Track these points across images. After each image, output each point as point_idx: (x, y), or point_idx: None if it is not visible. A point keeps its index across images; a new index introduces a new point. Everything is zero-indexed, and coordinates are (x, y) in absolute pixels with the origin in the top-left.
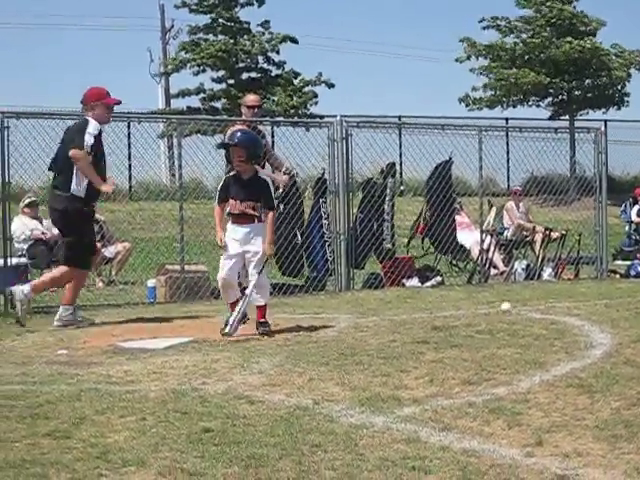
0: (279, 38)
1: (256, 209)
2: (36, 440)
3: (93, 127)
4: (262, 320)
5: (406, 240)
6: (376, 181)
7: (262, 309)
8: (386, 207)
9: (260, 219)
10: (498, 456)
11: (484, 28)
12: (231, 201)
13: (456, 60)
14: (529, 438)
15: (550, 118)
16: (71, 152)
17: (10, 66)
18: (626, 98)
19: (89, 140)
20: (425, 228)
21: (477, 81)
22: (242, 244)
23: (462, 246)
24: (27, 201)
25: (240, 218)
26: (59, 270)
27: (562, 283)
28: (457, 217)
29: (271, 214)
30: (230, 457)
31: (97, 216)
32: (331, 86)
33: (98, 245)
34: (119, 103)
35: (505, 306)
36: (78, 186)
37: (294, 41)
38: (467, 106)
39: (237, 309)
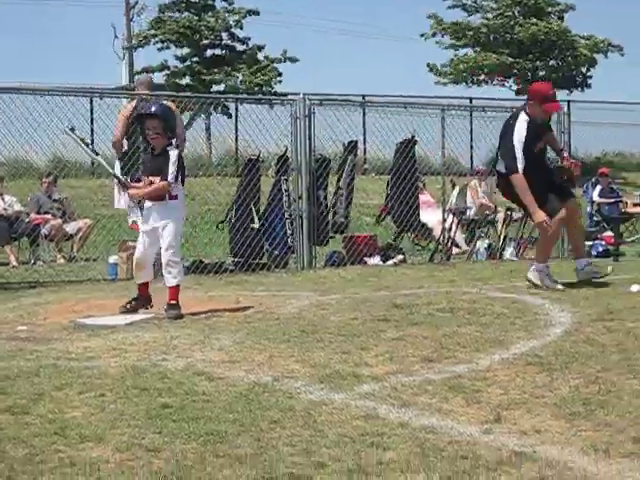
0: (242, 13)
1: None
2: None
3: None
4: (172, 302)
5: (368, 218)
6: (327, 158)
7: (173, 289)
8: (341, 182)
9: (172, 196)
10: (456, 433)
11: (450, 7)
12: (143, 178)
13: (421, 36)
14: (488, 415)
15: (516, 94)
16: None
17: None
18: (589, 81)
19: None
20: (387, 206)
21: (443, 56)
22: (154, 221)
23: (425, 225)
24: None
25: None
26: None
27: (524, 262)
28: (421, 196)
29: (162, 184)
30: (188, 433)
31: (58, 194)
32: (295, 61)
33: (59, 221)
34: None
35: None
36: None
37: (256, 13)
38: (435, 74)
39: None
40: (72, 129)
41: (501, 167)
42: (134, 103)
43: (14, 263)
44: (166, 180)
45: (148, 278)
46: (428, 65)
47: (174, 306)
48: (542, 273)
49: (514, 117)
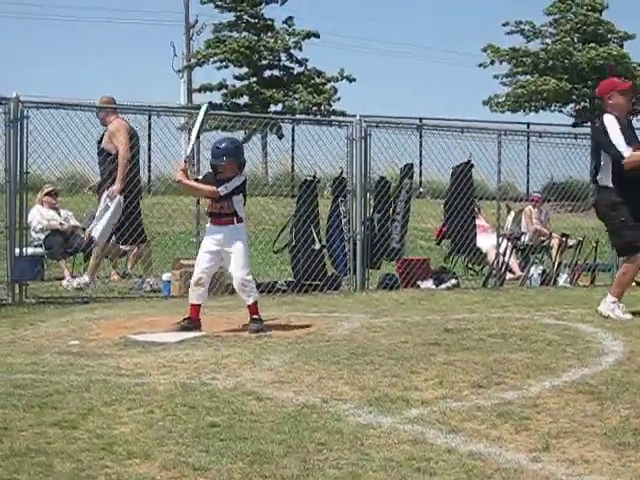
0: (302, 35)
1: (230, 208)
2: (42, 429)
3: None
4: (254, 317)
5: (422, 242)
6: (388, 181)
7: (252, 307)
8: (398, 207)
9: (239, 219)
10: (504, 460)
11: (508, 33)
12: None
13: (479, 65)
14: (536, 443)
15: (573, 125)
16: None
17: (34, 56)
18: None
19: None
20: (444, 230)
21: (499, 89)
22: (221, 244)
23: (479, 249)
24: (46, 191)
25: (216, 218)
26: None
27: (577, 290)
28: (476, 220)
29: (212, 188)
30: (235, 453)
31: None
32: (352, 81)
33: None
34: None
35: None
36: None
37: (316, 36)
38: (490, 108)
39: None
40: (208, 110)
41: (604, 180)
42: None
43: (68, 278)
44: (217, 189)
45: (202, 300)
46: (484, 102)
47: (256, 320)
48: (614, 304)
49: (600, 122)
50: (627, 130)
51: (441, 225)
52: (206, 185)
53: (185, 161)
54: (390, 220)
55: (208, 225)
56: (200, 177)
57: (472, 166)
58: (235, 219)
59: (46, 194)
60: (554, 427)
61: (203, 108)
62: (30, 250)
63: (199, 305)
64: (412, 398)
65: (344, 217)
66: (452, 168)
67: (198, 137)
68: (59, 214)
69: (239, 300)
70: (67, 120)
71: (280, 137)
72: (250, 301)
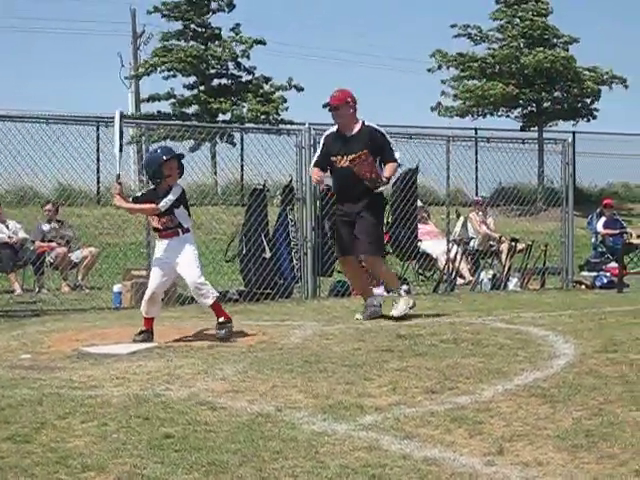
0: (249, 42)
1: (173, 221)
2: None
3: None
4: (220, 320)
5: None
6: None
7: (215, 306)
8: None
9: (185, 230)
10: (459, 465)
11: (455, 36)
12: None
13: (428, 70)
14: (490, 447)
15: (521, 129)
16: None
17: None
18: (595, 112)
19: None
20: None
21: (447, 90)
22: (170, 257)
23: (428, 255)
24: None
25: (162, 232)
26: None
27: (528, 293)
28: (425, 226)
29: (150, 206)
30: (191, 463)
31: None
32: (300, 89)
33: (64, 249)
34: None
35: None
36: None
37: (263, 43)
38: (439, 114)
39: None
40: (122, 115)
41: None
42: None
43: (18, 291)
44: (157, 205)
45: (156, 314)
46: (432, 107)
47: (223, 324)
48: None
49: None
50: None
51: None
52: (145, 204)
53: (118, 182)
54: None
55: (157, 241)
56: (139, 194)
57: (417, 171)
58: (180, 230)
59: None
60: (507, 431)
61: (116, 115)
62: None
63: (153, 317)
64: (366, 405)
65: (292, 225)
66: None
67: (121, 149)
68: (7, 227)
69: (191, 310)
70: (14, 132)
71: (232, 144)
72: (209, 302)
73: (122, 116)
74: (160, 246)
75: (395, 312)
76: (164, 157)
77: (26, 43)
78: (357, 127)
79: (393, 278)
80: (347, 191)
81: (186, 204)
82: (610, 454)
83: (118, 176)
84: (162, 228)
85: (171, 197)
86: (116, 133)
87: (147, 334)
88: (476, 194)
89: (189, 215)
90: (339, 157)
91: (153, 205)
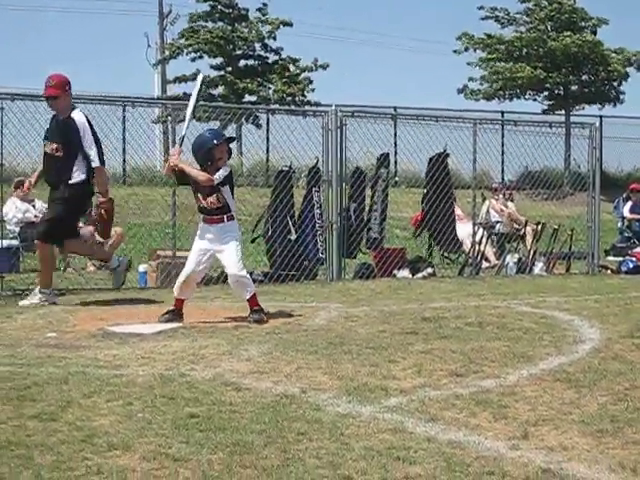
0: (275, 24)
1: (220, 200)
2: (22, 422)
3: None
4: (254, 307)
5: (398, 231)
6: (363, 170)
7: (251, 300)
8: (375, 197)
9: (229, 217)
10: (483, 448)
11: (482, 19)
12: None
13: (454, 52)
14: (515, 431)
15: (545, 112)
16: None
17: (5, 49)
18: (622, 96)
19: None
20: (422, 220)
21: (475, 73)
22: (212, 243)
23: (456, 238)
24: (15, 183)
25: (207, 215)
26: None
27: (553, 277)
28: None
29: (207, 176)
30: (215, 443)
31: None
32: (326, 67)
33: (91, 229)
34: None
35: None
36: None
37: (290, 25)
38: (465, 96)
39: None
40: (204, 80)
41: None
42: None
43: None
44: (212, 178)
45: (189, 296)
46: (458, 90)
47: (256, 311)
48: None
49: None
50: None
51: (417, 214)
52: (205, 174)
53: (180, 145)
54: (368, 210)
55: (200, 224)
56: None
57: (448, 156)
58: (225, 217)
59: (16, 186)
60: (532, 415)
61: (199, 78)
62: (5, 242)
63: (185, 299)
64: (391, 387)
65: (318, 207)
66: (428, 159)
67: (194, 113)
68: (34, 206)
69: (216, 291)
70: (41, 111)
71: (258, 126)
72: (247, 296)
73: (204, 81)
74: (204, 231)
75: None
76: (215, 141)
77: (53, 23)
78: (69, 114)
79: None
80: (47, 177)
81: (232, 185)
82: (635, 440)
83: (182, 138)
84: (208, 208)
85: (222, 172)
86: (194, 96)
87: (174, 314)
88: (502, 178)
89: (233, 197)
90: (47, 142)
91: (209, 175)
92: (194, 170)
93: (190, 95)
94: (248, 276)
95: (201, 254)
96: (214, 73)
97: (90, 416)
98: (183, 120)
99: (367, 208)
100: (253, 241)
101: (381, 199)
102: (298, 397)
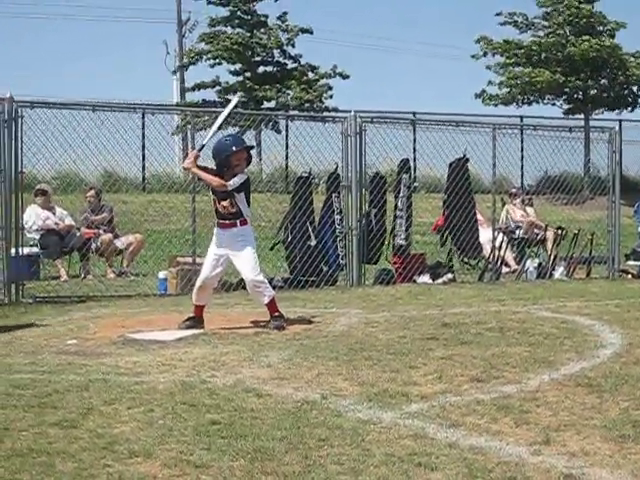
0: (294, 31)
1: (234, 206)
2: (43, 429)
3: None
4: (274, 314)
5: (418, 236)
6: (383, 176)
7: (270, 305)
8: (399, 203)
9: (243, 221)
10: (505, 454)
11: (501, 24)
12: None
13: (472, 57)
14: (536, 436)
15: (564, 116)
16: None
17: (26, 56)
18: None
19: None
20: (443, 225)
21: (493, 77)
22: (226, 248)
23: (477, 243)
24: (35, 190)
25: (221, 220)
26: None
27: (574, 282)
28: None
29: (220, 180)
30: (237, 450)
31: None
32: (346, 77)
33: (110, 236)
34: None
35: None
36: None
37: (310, 32)
38: (483, 102)
39: None
40: (237, 104)
41: None
42: None
43: (64, 277)
44: (225, 183)
45: (206, 301)
46: (476, 94)
47: (277, 317)
48: None
49: None
50: None
51: (437, 219)
52: (217, 179)
53: (199, 151)
54: (393, 217)
55: (215, 229)
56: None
57: (468, 160)
58: (239, 221)
59: (36, 194)
60: (554, 420)
61: (234, 100)
62: (26, 250)
63: (204, 305)
64: (411, 393)
65: (337, 213)
66: (449, 164)
67: (219, 128)
68: (54, 213)
69: (236, 297)
70: (60, 119)
71: (278, 132)
72: (266, 300)
73: (238, 104)
74: (218, 236)
75: None
76: (234, 148)
77: (73, 30)
78: None
79: None
80: None
81: (248, 192)
82: None
83: (203, 146)
84: (222, 213)
85: (237, 180)
86: (224, 114)
87: (194, 321)
88: (521, 183)
89: (248, 205)
90: None
91: (222, 180)
92: (207, 175)
93: (212, 104)
94: (265, 280)
95: (216, 259)
96: (233, 79)
97: (111, 423)
98: (202, 128)
99: (390, 214)
100: (272, 248)
101: (405, 205)
102: (319, 403)
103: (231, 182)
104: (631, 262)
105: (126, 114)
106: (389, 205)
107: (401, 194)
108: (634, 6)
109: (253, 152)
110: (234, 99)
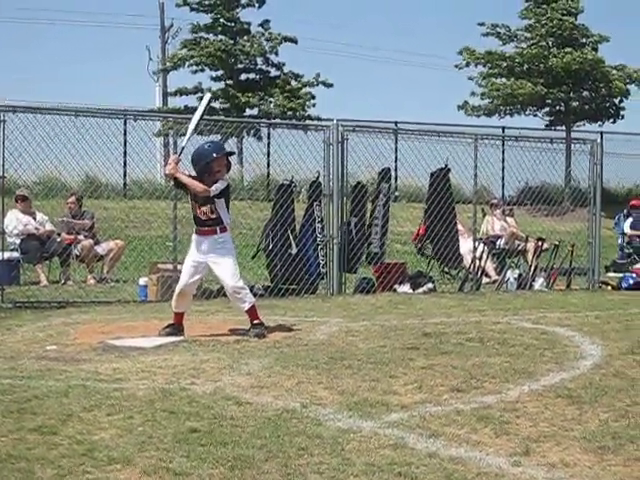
0: (278, 39)
1: (214, 212)
2: (22, 435)
3: None
4: (254, 322)
5: (399, 245)
6: (365, 185)
7: (250, 312)
8: (376, 212)
9: (222, 229)
10: (485, 464)
11: (484, 35)
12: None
13: (455, 67)
14: (516, 447)
15: (546, 127)
16: None
17: (7, 61)
18: (622, 112)
19: None
20: (424, 235)
21: (475, 88)
22: (205, 255)
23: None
24: (18, 194)
25: (200, 227)
26: None
27: (554, 293)
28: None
29: (203, 186)
30: (216, 458)
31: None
32: (329, 86)
33: (91, 242)
34: None
35: None
36: None
37: (293, 41)
38: (466, 112)
39: None
40: (210, 101)
41: None
42: None
43: (44, 282)
44: (208, 189)
45: (186, 309)
46: (459, 106)
47: (257, 325)
48: None
49: None
50: None
51: (418, 229)
52: (200, 184)
53: (180, 155)
54: (369, 224)
55: (194, 236)
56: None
57: (449, 170)
58: (219, 228)
59: (16, 199)
60: (534, 431)
61: (206, 98)
62: (6, 254)
63: (183, 312)
64: (392, 402)
65: (319, 221)
66: (430, 173)
67: (196, 129)
68: (35, 218)
69: (217, 304)
70: (43, 124)
71: (259, 139)
72: (246, 307)
73: (210, 101)
74: (197, 243)
75: None
76: (214, 154)
77: (54, 35)
78: None
79: None
80: None
81: (227, 198)
82: (637, 456)
83: (182, 149)
84: (202, 219)
85: (219, 185)
86: (198, 113)
87: (174, 328)
88: (502, 194)
89: (228, 211)
90: None
91: (205, 186)
92: (191, 180)
93: (194, 110)
94: (246, 287)
95: (194, 266)
96: (215, 86)
97: (90, 430)
98: (184, 134)
99: (368, 222)
100: (254, 257)
101: (382, 214)
102: (299, 412)
103: (213, 188)
104: (611, 274)
105: (108, 120)
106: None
107: (379, 202)
108: (618, 19)
109: (234, 159)
110: (205, 97)
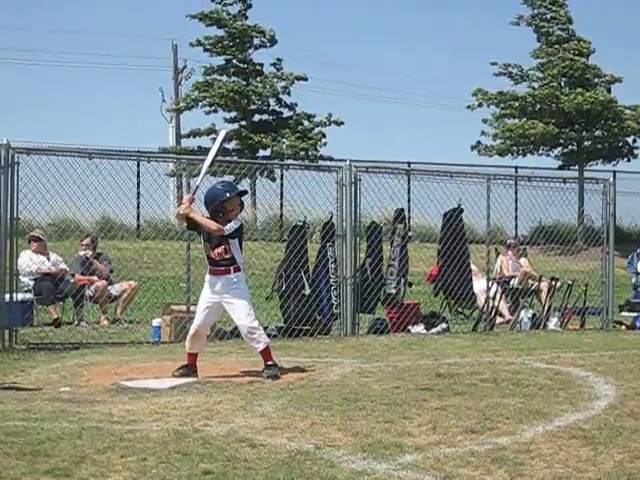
0: (290, 79)
1: (228, 252)
2: (36, 477)
3: None
4: (268, 363)
5: (412, 286)
6: (379, 225)
7: (264, 352)
8: (393, 253)
9: (236, 268)
10: None
11: (496, 74)
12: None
13: (468, 107)
14: None
15: (560, 168)
16: None
17: (23, 102)
18: (635, 151)
19: None
20: (437, 275)
21: (487, 129)
22: (219, 295)
23: (471, 293)
24: (29, 236)
25: (214, 267)
26: None
27: (568, 333)
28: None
29: (217, 225)
30: None
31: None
32: (340, 124)
33: (104, 282)
34: None
35: None
36: None
37: (304, 79)
38: (479, 153)
39: None
40: (226, 137)
41: None
42: None
43: (55, 315)
44: (222, 228)
45: (200, 349)
46: (472, 146)
47: (270, 366)
48: None
49: None
50: None
51: (431, 269)
52: (214, 223)
53: (194, 193)
54: (386, 266)
55: (207, 277)
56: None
57: (462, 211)
58: (233, 268)
59: (29, 240)
60: (548, 472)
61: (221, 134)
62: (20, 296)
63: (197, 353)
64: (406, 444)
65: (332, 262)
66: (443, 214)
67: (211, 166)
68: (48, 259)
69: (230, 346)
70: (57, 165)
71: (273, 180)
72: (261, 347)
73: (225, 138)
74: (210, 283)
75: None
76: (228, 194)
77: (69, 78)
78: None
79: None
80: None
81: (241, 238)
82: None
83: (196, 188)
84: (216, 259)
85: (233, 224)
86: (214, 149)
87: (188, 369)
88: (515, 233)
89: (241, 251)
90: None
91: (219, 225)
92: (205, 219)
93: (209, 149)
94: (260, 327)
95: (209, 307)
96: (229, 127)
97: (104, 472)
98: (198, 174)
99: (385, 263)
100: (267, 298)
101: (399, 255)
102: (313, 453)
103: (227, 227)
104: (625, 313)
105: (122, 161)
106: (385, 254)
107: (395, 244)
108: (632, 59)
109: (247, 200)
110: (221, 132)
